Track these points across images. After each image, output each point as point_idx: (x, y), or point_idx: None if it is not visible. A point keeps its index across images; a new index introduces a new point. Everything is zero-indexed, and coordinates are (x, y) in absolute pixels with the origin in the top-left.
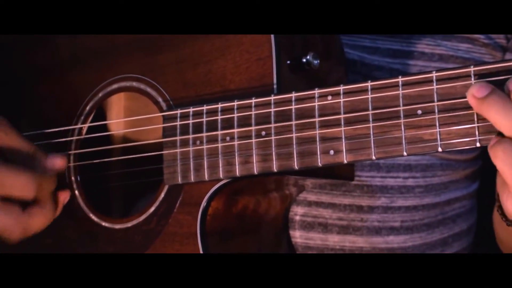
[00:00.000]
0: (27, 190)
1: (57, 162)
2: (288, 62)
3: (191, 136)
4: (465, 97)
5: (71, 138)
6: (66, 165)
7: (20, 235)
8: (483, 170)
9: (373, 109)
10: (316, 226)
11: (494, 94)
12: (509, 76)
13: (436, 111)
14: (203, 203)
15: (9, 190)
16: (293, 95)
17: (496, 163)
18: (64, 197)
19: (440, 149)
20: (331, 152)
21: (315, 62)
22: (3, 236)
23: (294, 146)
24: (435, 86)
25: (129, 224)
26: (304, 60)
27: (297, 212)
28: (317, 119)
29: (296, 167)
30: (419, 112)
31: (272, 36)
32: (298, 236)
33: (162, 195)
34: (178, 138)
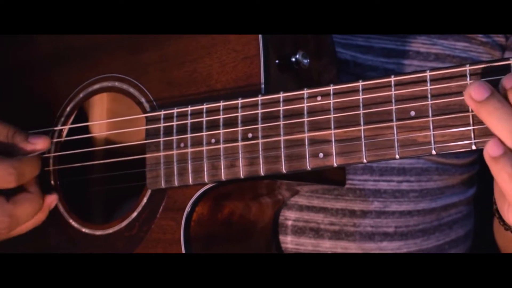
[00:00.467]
0: (8, 179)
1: (39, 143)
2: (277, 61)
3: (175, 138)
4: (460, 98)
5: (53, 140)
6: (50, 145)
7: (8, 226)
8: (480, 175)
9: (365, 110)
10: (308, 231)
11: (494, 98)
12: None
13: (430, 112)
14: (187, 209)
15: None
16: (281, 95)
17: (493, 174)
18: (50, 200)
19: (434, 152)
20: (321, 155)
21: (305, 61)
22: None
23: (282, 149)
24: (429, 86)
25: (110, 230)
26: (293, 59)
27: (289, 217)
28: (306, 121)
29: (284, 171)
30: (412, 113)
31: (260, 34)
32: (289, 242)
33: (145, 200)
34: (161, 140)
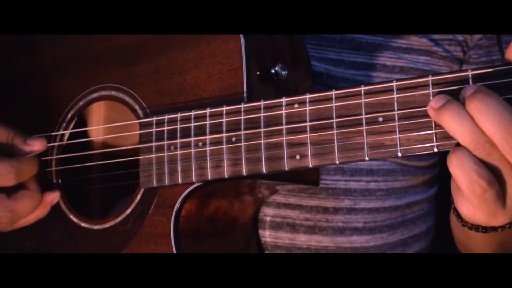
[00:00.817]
0: (8, 177)
1: (36, 145)
2: (258, 72)
3: (165, 142)
4: (423, 105)
5: (53, 144)
6: (46, 147)
7: (9, 220)
8: (440, 175)
9: (337, 116)
10: (285, 226)
11: (450, 103)
12: (464, 86)
13: (396, 118)
14: (177, 205)
15: None
16: (262, 103)
17: (451, 170)
18: (52, 197)
19: (400, 154)
20: (297, 157)
21: (283, 73)
22: None
23: (263, 152)
24: (395, 95)
25: (107, 225)
26: (273, 71)
27: (268, 213)
28: (284, 126)
29: (264, 171)
30: (380, 119)
31: (243, 47)
32: (267, 236)
33: (138, 197)
34: (153, 144)
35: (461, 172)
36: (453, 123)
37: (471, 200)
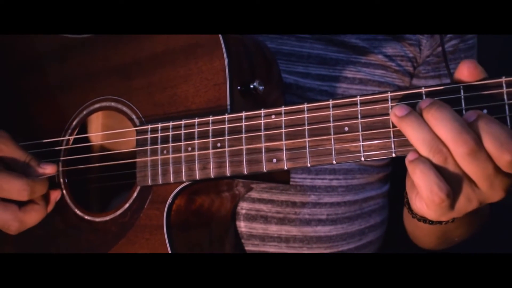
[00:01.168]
0: (22, 193)
1: (48, 169)
2: (239, 87)
3: (159, 147)
4: (384, 116)
5: (61, 148)
6: (56, 171)
7: (17, 229)
8: (393, 174)
9: (309, 126)
10: (258, 218)
11: (411, 114)
12: (418, 100)
13: (360, 128)
14: (169, 201)
15: (8, 193)
16: (243, 114)
17: (414, 179)
18: (55, 195)
19: (363, 159)
20: (274, 160)
21: (261, 88)
22: (3, 229)
23: (244, 156)
24: (359, 108)
25: (108, 218)
26: (252, 86)
27: (243, 206)
28: (262, 134)
29: (245, 172)
30: (346, 129)
31: (226, 65)
32: (243, 226)
33: (135, 194)
34: (148, 148)
35: (424, 183)
36: (413, 130)
37: (428, 205)
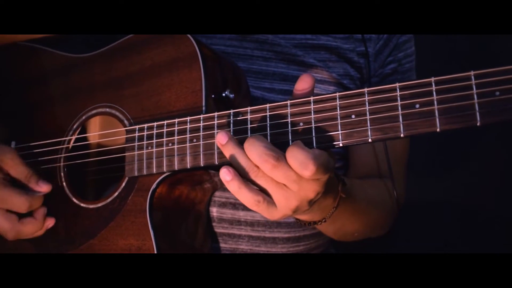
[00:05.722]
0: (22, 207)
1: (44, 187)
2: (213, 95)
3: (144, 143)
4: (332, 112)
5: (63, 146)
6: (50, 189)
7: (13, 237)
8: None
9: (270, 121)
10: (228, 205)
11: (230, 143)
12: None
13: (313, 122)
14: (152, 189)
15: (10, 206)
16: (216, 114)
17: (236, 196)
18: (49, 222)
19: (315, 146)
20: None
21: (231, 96)
22: (2, 235)
23: (215, 148)
24: (312, 106)
25: (100, 205)
26: (224, 94)
27: (215, 194)
28: (232, 128)
29: (216, 163)
30: (301, 124)
31: (203, 76)
32: (215, 211)
33: (123, 184)
34: (136, 144)
35: (247, 199)
36: (233, 156)
37: (254, 210)
